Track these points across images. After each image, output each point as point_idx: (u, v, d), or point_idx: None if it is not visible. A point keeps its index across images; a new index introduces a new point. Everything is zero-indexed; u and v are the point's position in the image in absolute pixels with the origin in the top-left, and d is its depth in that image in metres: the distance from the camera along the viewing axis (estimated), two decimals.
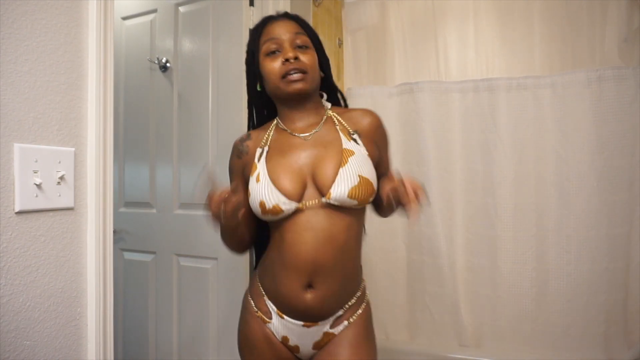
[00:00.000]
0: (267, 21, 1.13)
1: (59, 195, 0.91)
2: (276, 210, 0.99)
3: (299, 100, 1.09)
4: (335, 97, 1.22)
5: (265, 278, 1.09)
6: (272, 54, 1.07)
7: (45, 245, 0.89)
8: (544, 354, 1.88)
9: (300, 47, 1.07)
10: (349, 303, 1.07)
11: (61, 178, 0.91)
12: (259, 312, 1.09)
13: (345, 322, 1.06)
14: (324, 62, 1.15)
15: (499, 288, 1.96)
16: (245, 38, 1.77)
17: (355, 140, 1.06)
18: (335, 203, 0.99)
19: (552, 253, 1.89)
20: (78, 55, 0.96)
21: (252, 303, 1.11)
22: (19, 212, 0.84)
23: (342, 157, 1.01)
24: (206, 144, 1.83)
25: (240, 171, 1.13)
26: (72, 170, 0.94)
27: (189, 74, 1.89)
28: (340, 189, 0.98)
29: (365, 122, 1.10)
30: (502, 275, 1.96)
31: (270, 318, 1.07)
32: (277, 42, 1.07)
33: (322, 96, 1.17)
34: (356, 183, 0.98)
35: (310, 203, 1.00)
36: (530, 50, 2.02)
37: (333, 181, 0.99)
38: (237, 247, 1.18)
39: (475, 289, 2.02)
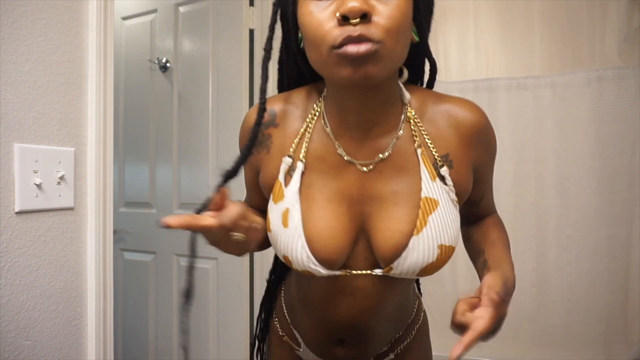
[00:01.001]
0: None
1: (59, 195, 0.91)
2: (306, 273, 0.69)
3: (361, 89, 0.63)
4: (419, 72, 0.75)
5: (290, 307, 0.85)
6: None
7: (46, 245, 0.89)
8: (544, 354, 1.88)
9: None
10: (396, 336, 0.82)
11: (61, 178, 0.91)
12: (286, 337, 0.85)
13: (391, 355, 0.83)
14: (423, 12, 0.64)
15: None
16: (245, 38, 1.77)
17: (442, 179, 0.66)
18: (396, 276, 0.68)
19: (552, 253, 1.89)
20: (78, 55, 0.96)
21: (278, 326, 0.87)
22: (19, 212, 0.84)
23: (419, 215, 0.64)
24: (206, 144, 1.83)
25: (254, 167, 0.74)
26: (72, 170, 0.94)
27: (189, 74, 1.89)
28: (409, 265, 0.65)
29: (462, 130, 0.67)
30: None
31: (300, 346, 0.84)
32: None
33: (400, 73, 0.67)
34: (435, 258, 0.65)
35: (358, 273, 0.68)
36: (530, 50, 2.02)
37: (399, 253, 0.65)
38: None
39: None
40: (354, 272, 0.68)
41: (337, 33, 0.55)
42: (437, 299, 2.06)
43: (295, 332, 0.83)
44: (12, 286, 0.83)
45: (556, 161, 1.89)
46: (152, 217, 1.97)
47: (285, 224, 0.67)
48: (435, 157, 0.67)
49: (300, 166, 0.68)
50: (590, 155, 1.83)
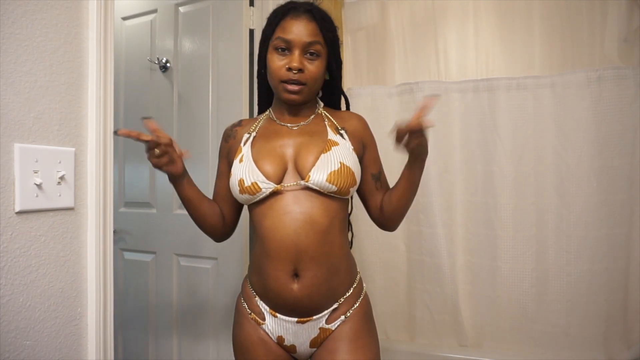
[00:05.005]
0: (288, 13, 1.07)
1: (59, 195, 0.91)
2: (254, 189, 1.00)
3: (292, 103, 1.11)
4: (336, 100, 1.21)
5: (254, 276, 1.08)
6: (281, 50, 1.05)
7: (46, 245, 0.89)
8: (543, 354, 1.88)
9: (311, 55, 1.05)
10: (344, 296, 1.05)
11: (61, 178, 0.91)
12: (252, 314, 1.08)
13: (342, 317, 1.04)
14: (334, 66, 1.13)
15: (499, 288, 1.96)
16: (245, 38, 1.77)
17: (341, 135, 1.08)
18: (314, 187, 0.99)
19: (552, 253, 1.89)
20: (78, 55, 0.96)
21: (245, 305, 1.10)
22: (20, 212, 0.84)
23: (325, 145, 1.03)
24: (206, 144, 1.83)
25: (225, 154, 1.16)
26: (72, 170, 0.94)
27: (189, 74, 1.89)
28: (320, 172, 0.99)
29: (353, 122, 1.13)
30: (502, 275, 1.95)
31: (264, 319, 1.06)
32: (288, 44, 1.05)
33: (317, 94, 1.17)
34: (336, 168, 0.99)
35: (289, 185, 1.00)
36: (530, 50, 2.02)
37: (313, 165, 1.00)
38: (209, 230, 1.16)
39: (475, 289, 2.01)
40: (287, 185, 1.01)
41: (285, 74, 1.05)
42: (437, 298, 2.07)
43: (260, 303, 1.06)
44: (12, 286, 0.83)
45: (556, 161, 1.89)
46: (152, 217, 1.97)
47: (240, 161, 1.05)
48: (337, 126, 1.11)
49: (253, 134, 1.12)
50: (590, 155, 1.83)
